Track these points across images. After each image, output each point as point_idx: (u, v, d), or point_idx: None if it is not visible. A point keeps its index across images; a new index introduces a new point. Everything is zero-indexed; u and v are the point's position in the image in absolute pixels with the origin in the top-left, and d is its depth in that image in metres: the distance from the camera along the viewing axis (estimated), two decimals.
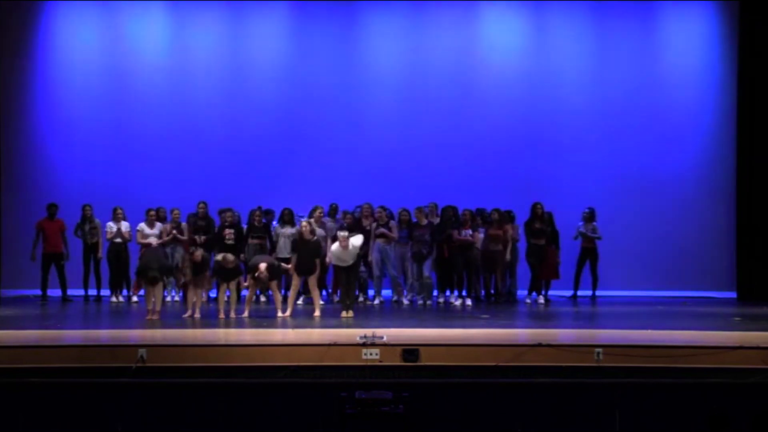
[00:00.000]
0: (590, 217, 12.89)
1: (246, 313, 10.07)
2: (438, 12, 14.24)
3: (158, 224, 12.31)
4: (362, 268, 11.82)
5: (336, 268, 11.19)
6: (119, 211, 12.40)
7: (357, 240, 10.55)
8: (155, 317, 9.69)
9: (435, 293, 12.26)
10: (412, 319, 10.03)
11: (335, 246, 10.44)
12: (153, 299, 9.83)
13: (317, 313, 10.24)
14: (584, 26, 14.33)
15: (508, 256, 12.13)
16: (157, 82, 14.17)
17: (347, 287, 10.48)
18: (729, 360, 7.12)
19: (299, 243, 10.58)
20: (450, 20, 14.27)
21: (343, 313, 10.20)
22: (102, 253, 12.50)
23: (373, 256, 11.92)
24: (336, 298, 12.13)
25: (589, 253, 12.94)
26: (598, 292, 13.03)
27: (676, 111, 14.12)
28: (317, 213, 11.75)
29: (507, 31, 14.33)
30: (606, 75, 14.18)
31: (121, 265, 12.42)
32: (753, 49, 13.49)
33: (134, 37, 14.20)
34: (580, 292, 13.02)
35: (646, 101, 14.12)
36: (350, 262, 10.45)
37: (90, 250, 12.53)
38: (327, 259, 10.78)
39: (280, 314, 10.22)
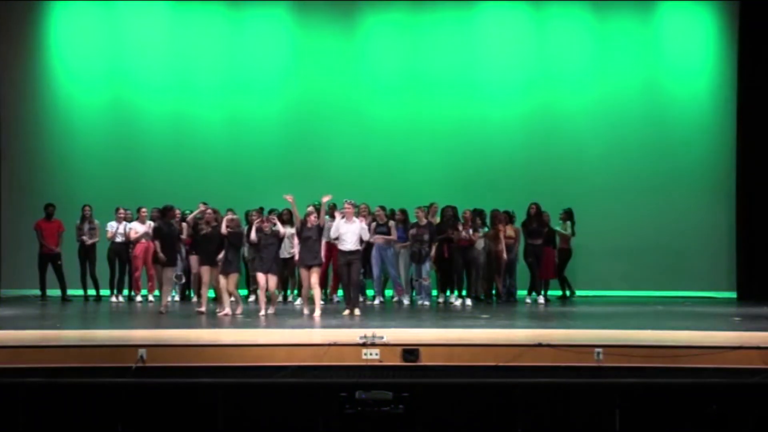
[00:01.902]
0: (565, 217, 12.90)
1: (264, 312, 10.29)
2: (438, 12, 14.25)
3: (150, 222, 12.37)
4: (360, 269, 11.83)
5: (338, 264, 11.23)
6: (121, 211, 12.42)
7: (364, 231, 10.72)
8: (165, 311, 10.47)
9: (434, 293, 12.28)
10: (412, 319, 10.03)
11: (338, 220, 10.59)
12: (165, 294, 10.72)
13: (317, 313, 10.23)
14: (584, 26, 14.35)
15: (505, 255, 12.14)
16: (158, 82, 14.19)
17: (349, 284, 10.52)
18: (729, 360, 7.12)
19: (303, 229, 10.53)
20: (449, 21, 14.28)
21: (346, 311, 10.23)
22: (96, 254, 12.55)
23: (372, 256, 11.92)
24: (336, 299, 12.15)
25: (562, 253, 12.95)
26: (584, 292, 13.28)
27: (676, 111, 14.12)
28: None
29: (507, 32, 14.35)
30: (606, 75, 14.20)
31: (122, 264, 12.44)
32: (753, 49, 13.49)
33: (135, 38, 14.23)
34: (568, 292, 13.12)
35: (646, 101, 14.13)
36: (350, 245, 10.47)
37: (87, 250, 12.55)
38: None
39: (262, 312, 10.34)
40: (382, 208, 12.11)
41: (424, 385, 7.05)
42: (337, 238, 10.72)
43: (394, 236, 11.93)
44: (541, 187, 13.44)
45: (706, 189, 13.99)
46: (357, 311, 10.34)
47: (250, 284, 12.30)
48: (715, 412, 6.91)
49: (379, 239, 11.87)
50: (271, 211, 12.20)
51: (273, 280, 10.52)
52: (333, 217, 12.22)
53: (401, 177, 13.76)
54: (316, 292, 10.49)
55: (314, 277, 10.44)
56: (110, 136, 14.08)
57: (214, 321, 9.71)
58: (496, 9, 14.45)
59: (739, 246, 13.62)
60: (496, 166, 13.92)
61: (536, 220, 12.41)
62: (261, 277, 10.44)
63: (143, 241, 12.22)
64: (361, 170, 13.82)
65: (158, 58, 14.25)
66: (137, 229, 12.26)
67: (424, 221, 11.82)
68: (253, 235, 10.51)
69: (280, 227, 10.69)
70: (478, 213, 12.34)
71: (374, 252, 11.92)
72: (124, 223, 12.41)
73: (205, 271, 10.62)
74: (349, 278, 10.55)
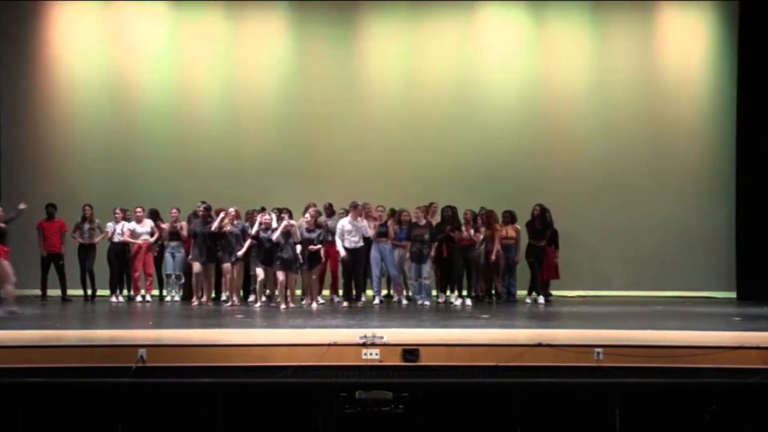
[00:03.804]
0: None
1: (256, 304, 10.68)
2: (437, 14, 14.24)
3: (148, 221, 12.35)
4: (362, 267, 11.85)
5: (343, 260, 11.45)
6: (118, 211, 12.42)
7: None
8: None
9: (434, 293, 12.28)
10: (412, 319, 10.04)
11: (347, 219, 11.03)
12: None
13: (283, 307, 10.59)
14: (584, 27, 14.33)
15: (493, 257, 12.11)
16: (157, 82, 14.18)
17: (351, 279, 10.75)
18: (729, 360, 7.12)
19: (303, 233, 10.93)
20: (449, 21, 14.27)
21: (346, 303, 10.37)
22: (96, 253, 12.55)
23: (372, 255, 11.93)
24: (336, 299, 12.15)
25: None
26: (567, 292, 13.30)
27: (676, 111, 14.11)
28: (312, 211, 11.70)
29: (506, 32, 14.34)
30: (606, 75, 14.17)
31: (121, 264, 12.44)
32: (753, 49, 13.48)
33: (134, 38, 14.22)
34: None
35: (645, 101, 14.12)
36: (358, 242, 11.01)
37: (88, 249, 12.55)
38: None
39: (283, 306, 10.75)
40: (382, 208, 12.14)
41: (424, 385, 7.06)
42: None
43: (392, 235, 11.94)
44: (540, 187, 13.43)
45: (706, 189, 13.98)
46: (359, 303, 10.58)
47: (251, 283, 12.29)
48: (715, 412, 6.92)
49: (382, 241, 11.88)
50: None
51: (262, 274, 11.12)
52: (330, 215, 12.27)
53: (401, 176, 13.75)
54: (314, 288, 10.98)
55: (313, 276, 10.95)
56: (111, 137, 14.04)
57: (213, 321, 9.71)
58: (496, 9, 14.44)
59: (739, 246, 13.61)
60: (495, 167, 13.89)
61: (540, 221, 12.40)
62: (281, 274, 10.93)
63: (141, 241, 12.25)
64: (360, 170, 13.81)
65: (158, 58, 14.22)
66: (136, 230, 12.27)
67: (423, 221, 11.83)
68: (277, 234, 10.94)
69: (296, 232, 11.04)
70: (478, 213, 12.36)
71: (373, 251, 11.92)
72: (122, 222, 12.41)
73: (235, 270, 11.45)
74: (353, 272, 10.81)
